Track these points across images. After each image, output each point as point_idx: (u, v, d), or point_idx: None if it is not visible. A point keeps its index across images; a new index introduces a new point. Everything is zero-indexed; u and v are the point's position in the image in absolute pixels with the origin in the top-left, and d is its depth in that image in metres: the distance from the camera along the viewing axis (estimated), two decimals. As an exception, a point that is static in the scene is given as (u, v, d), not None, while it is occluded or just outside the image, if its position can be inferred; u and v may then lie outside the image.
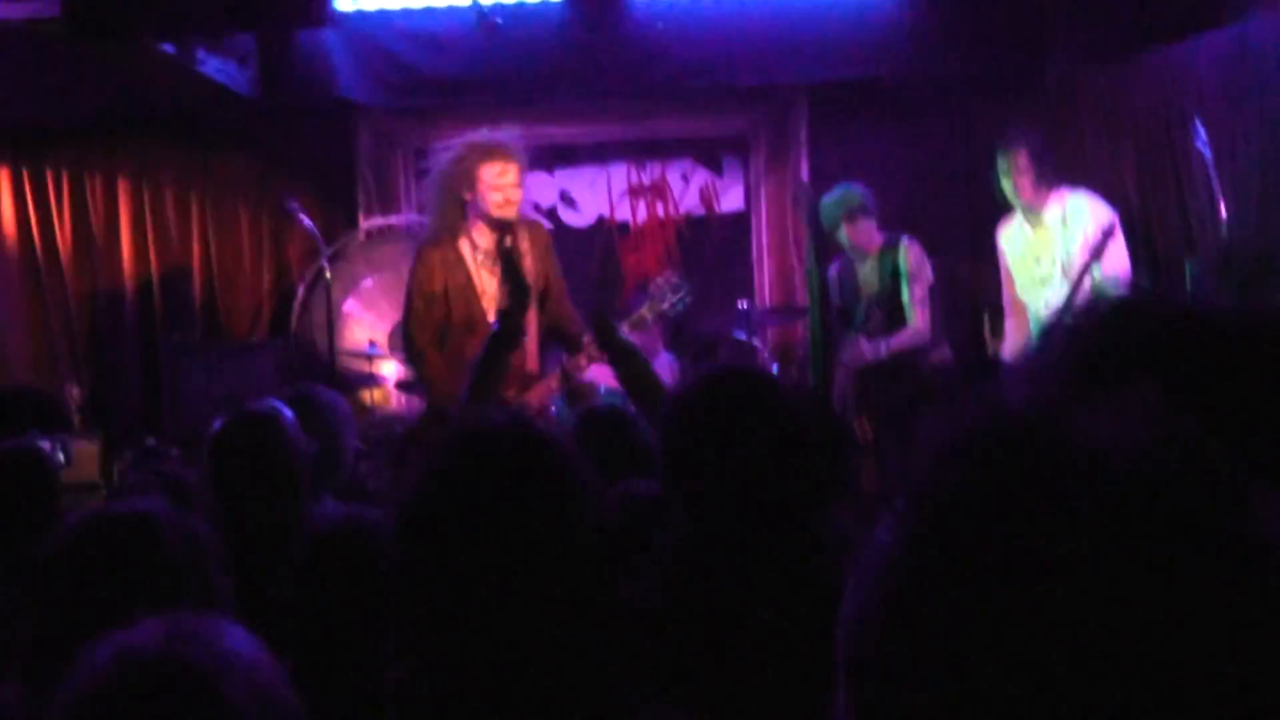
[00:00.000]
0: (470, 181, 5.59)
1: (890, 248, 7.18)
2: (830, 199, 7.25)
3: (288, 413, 3.87)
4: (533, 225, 5.87)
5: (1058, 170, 6.74)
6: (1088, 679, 0.70)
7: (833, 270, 7.44)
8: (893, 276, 7.13)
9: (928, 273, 7.18)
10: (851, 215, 7.12)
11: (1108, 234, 6.33)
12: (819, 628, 0.98)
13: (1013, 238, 6.91)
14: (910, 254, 7.13)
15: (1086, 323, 1.05)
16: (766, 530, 2.32)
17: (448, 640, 1.80)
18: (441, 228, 5.80)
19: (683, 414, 2.47)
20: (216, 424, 3.84)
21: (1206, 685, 0.70)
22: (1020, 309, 6.91)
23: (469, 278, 5.63)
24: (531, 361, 5.68)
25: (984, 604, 0.72)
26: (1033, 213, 6.71)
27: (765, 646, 2.24)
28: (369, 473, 7.47)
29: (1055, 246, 6.61)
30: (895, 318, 7.12)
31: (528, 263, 5.60)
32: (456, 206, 5.66)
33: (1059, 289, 6.53)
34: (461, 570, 1.77)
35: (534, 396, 5.51)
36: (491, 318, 5.33)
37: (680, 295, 5.49)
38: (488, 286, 5.62)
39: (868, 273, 7.22)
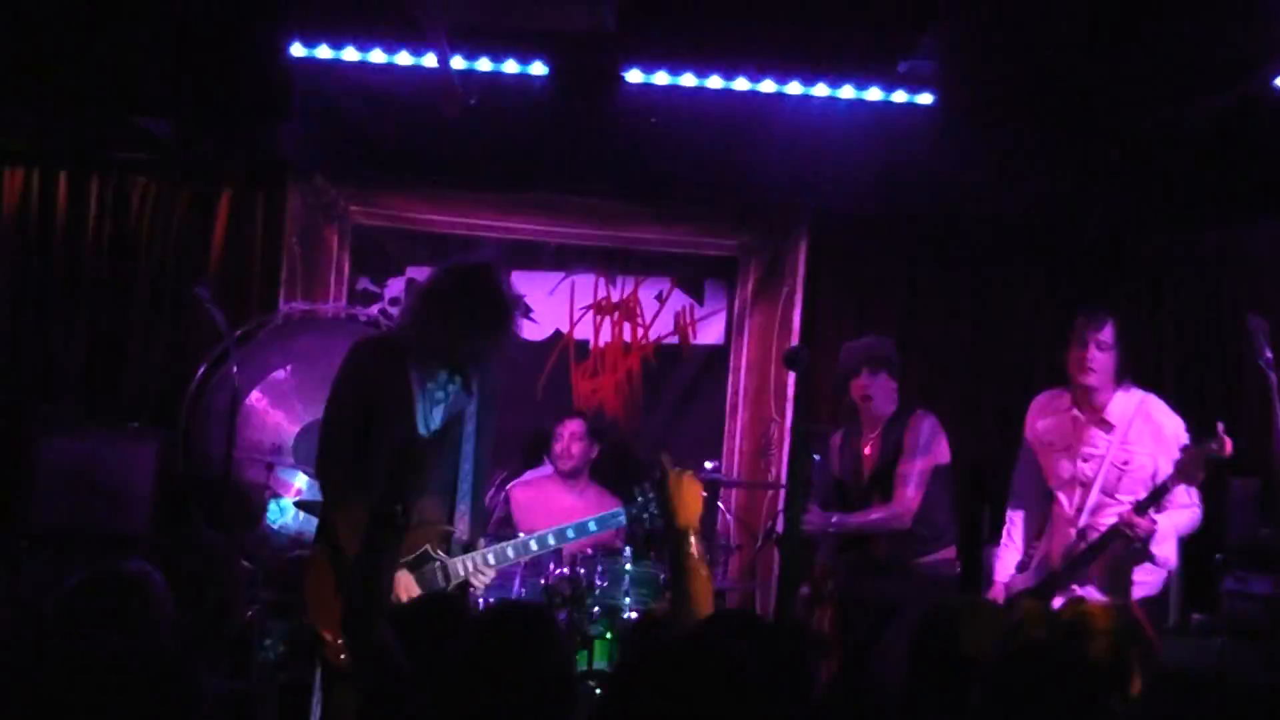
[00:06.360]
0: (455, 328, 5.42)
1: (899, 418, 6.89)
2: (856, 344, 7.06)
3: (158, 577, 3.75)
4: (484, 370, 5.67)
5: (1135, 362, 6.32)
6: None
7: (835, 438, 7.14)
8: (896, 451, 6.83)
9: (939, 452, 6.84)
10: (875, 364, 6.87)
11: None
12: None
13: (1054, 421, 6.41)
14: (922, 426, 6.81)
15: None
16: None
17: None
18: (396, 334, 5.80)
19: (626, 684, 2.70)
20: (73, 578, 3.70)
21: None
22: (1035, 504, 6.48)
23: (409, 396, 5.44)
24: (460, 521, 5.49)
25: None
26: (1091, 401, 6.26)
27: None
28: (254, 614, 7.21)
29: (1113, 448, 6.17)
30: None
31: (467, 408, 5.55)
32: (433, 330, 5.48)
33: (1100, 498, 6.14)
34: None
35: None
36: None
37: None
38: (428, 415, 5.44)
39: (872, 446, 6.93)
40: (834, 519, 6.81)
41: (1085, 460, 6.22)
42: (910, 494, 6.73)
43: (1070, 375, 6.27)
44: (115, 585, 3.66)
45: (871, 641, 6.71)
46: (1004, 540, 6.60)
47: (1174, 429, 6.14)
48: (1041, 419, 6.47)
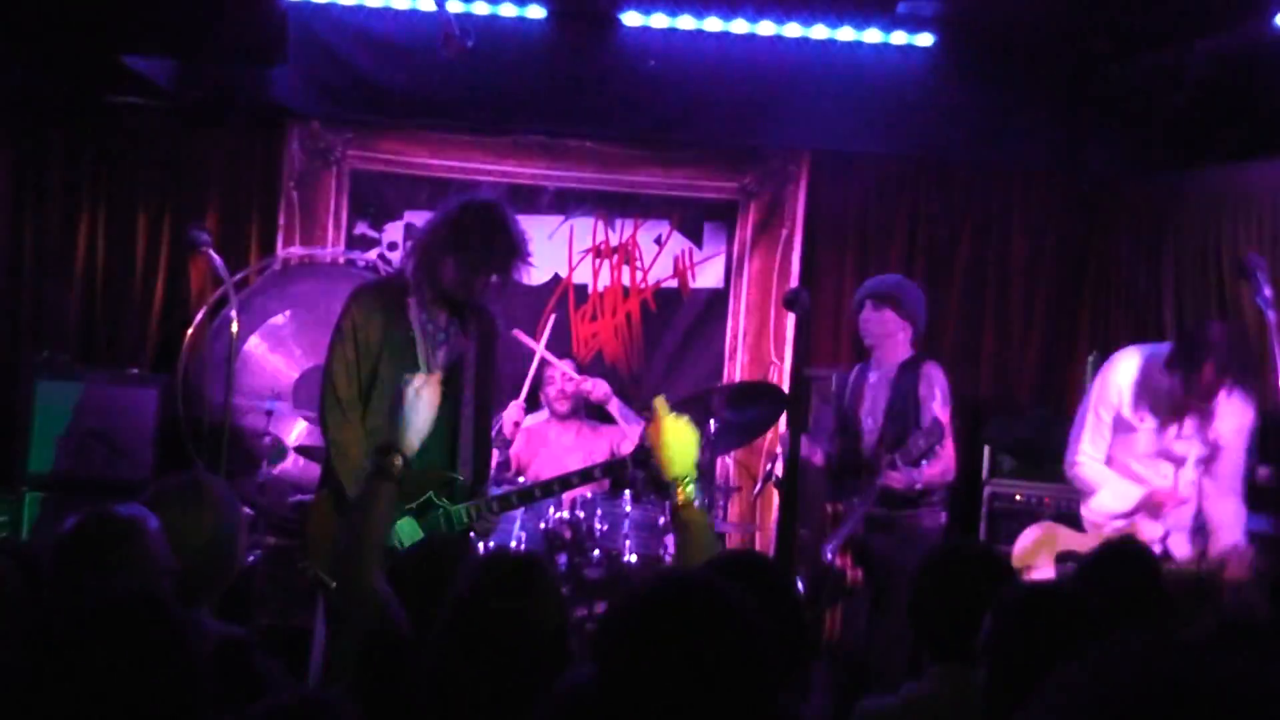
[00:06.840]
0: (469, 260, 5.41)
1: (913, 365, 6.76)
2: (878, 277, 6.98)
3: (153, 522, 3.69)
4: (483, 313, 5.65)
5: (1246, 371, 6.05)
6: None
7: (850, 376, 7.00)
8: (909, 400, 6.72)
9: (949, 404, 6.70)
10: (896, 299, 6.75)
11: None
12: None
13: (1151, 385, 6.19)
14: (938, 375, 6.69)
15: None
16: None
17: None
18: (397, 276, 5.71)
19: (619, 629, 2.52)
20: (68, 522, 3.66)
21: None
22: (1101, 463, 6.33)
23: (412, 339, 5.43)
24: (464, 468, 5.46)
25: None
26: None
27: None
28: (255, 560, 7.16)
29: (1204, 428, 6.10)
30: (900, 445, 6.60)
31: (469, 351, 5.50)
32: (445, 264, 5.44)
33: (1194, 476, 6.11)
34: None
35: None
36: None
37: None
38: (431, 358, 5.42)
39: (884, 388, 6.80)
40: (916, 476, 6.47)
41: (1178, 439, 6.16)
42: (950, 445, 6.59)
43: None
44: (106, 530, 3.62)
45: (869, 592, 6.74)
46: (1098, 478, 6.40)
47: (1248, 420, 6.11)
48: (1124, 379, 6.28)
